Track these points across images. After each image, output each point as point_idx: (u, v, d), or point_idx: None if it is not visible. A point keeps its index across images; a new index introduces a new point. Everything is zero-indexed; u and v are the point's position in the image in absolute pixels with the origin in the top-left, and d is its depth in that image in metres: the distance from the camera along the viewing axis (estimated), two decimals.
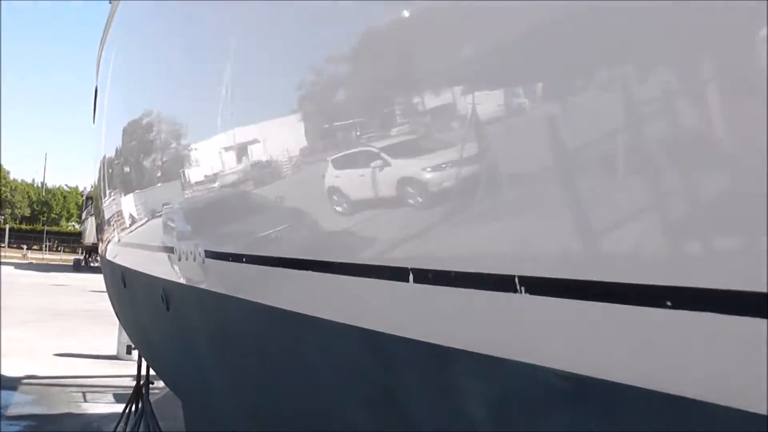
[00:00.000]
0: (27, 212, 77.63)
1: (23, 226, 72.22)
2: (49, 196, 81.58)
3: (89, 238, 42.15)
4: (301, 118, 1.94)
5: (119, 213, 4.92)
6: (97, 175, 6.49)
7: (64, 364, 11.56)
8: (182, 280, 2.98)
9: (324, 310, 1.73)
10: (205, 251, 2.47)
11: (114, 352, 12.21)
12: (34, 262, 47.20)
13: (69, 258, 51.00)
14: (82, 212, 54.38)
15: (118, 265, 4.78)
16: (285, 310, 1.93)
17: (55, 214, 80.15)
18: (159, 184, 3.59)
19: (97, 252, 46.32)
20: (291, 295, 1.92)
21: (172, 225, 3.25)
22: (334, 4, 1.72)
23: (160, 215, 3.57)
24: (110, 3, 5.68)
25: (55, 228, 74.03)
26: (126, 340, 12.34)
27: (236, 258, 2.26)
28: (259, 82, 2.19)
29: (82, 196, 61.70)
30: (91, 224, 42.45)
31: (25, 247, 57.79)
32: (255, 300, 2.19)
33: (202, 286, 2.69)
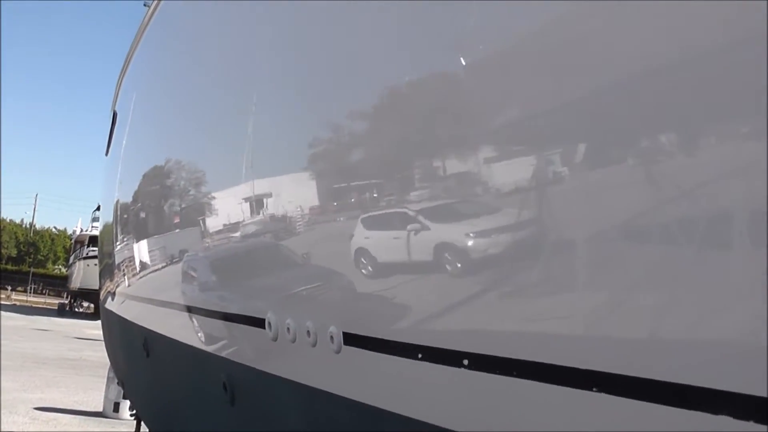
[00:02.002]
0: (13, 252, 76.63)
1: (9, 267, 71.10)
2: (37, 237, 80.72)
3: (76, 282, 41.37)
4: (319, 174, 1.92)
5: (142, 263, 4.28)
6: (108, 218, 6.14)
7: (45, 419, 10.69)
8: (244, 361, 2.33)
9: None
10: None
11: (100, 408, 11.36)
12: (17, 303, 46.07)
13: (53, 302, 49.96)
14: (69, 256, 53.57)
15: (139, 326, 4.07)
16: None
17: (42, 256, 79.16)
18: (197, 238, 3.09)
19: (82, 297, 45.77)
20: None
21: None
22: (365, 54, 1.67)
23: (208, 280, 2.97)
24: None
25: (41, 270, 72.99)
26: (114, 396, 11.63)
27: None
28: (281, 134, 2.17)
29: (70, 240, 61.03)
30: (78, 269, 41.72)
31: (9, 287, 56.65)
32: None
33: (265, 369, 2.09)
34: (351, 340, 1.68)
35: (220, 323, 2.51)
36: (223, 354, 2.50)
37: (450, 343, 1.30)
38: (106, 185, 6.77)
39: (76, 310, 43.87)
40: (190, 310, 2.94)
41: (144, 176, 4.42)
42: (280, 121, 2.15)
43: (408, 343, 1.44)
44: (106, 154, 7.07)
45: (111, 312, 5.62)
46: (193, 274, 2.98)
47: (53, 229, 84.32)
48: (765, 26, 0.74)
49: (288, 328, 1.94)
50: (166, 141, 3.88)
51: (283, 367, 2.04)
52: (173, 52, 3.91)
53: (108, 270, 6.22)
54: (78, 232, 48.57)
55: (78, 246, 44.89)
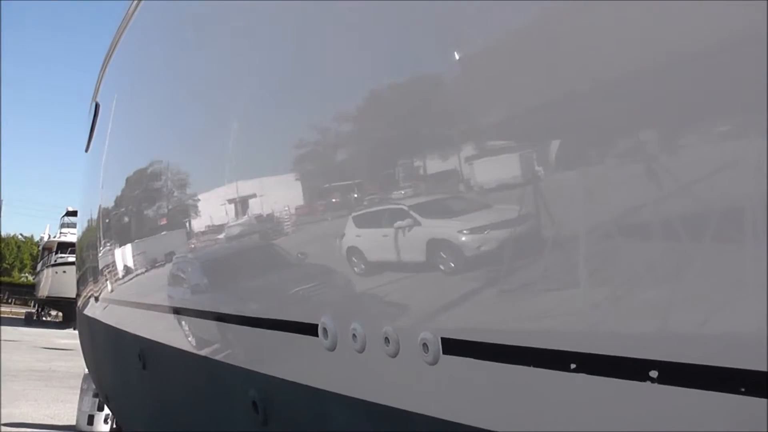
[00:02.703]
0: None
1: None
2: (2, 245, 78.80)
3: (44, 290, 40.38)
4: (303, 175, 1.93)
5: (138, 266, 3.91)
6: (88, 222, 5.84)
7: None
8: (284, 375, 1.95)
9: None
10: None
11: (73, 422, 10.82)
12: None
13: (20, 311, 48.61)
14: (37, 263, 52.27)
15: (133, 335, 3.63)
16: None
17: (8, 264, 77.27)
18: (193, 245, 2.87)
19: (51, 306, 44.60)
20: None
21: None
22: (356, 50, 1.65)
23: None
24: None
25: (6, 279, 71.20)
26: (88, 408, 11.14)
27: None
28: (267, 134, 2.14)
29: (37, 247, 59.63)
30: (46, 276, 40.71)
31: None
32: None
33: (315, 384, 1.74)
34: (453, 347, 1.31)
35: (249, 331, 2.11)
36: (254, 367, 2.10)
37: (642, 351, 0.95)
38: (87, 186, 6.35)
39: (45, 319, 42.77)
40: (204, 316, 2.54)
41: (137, 173, 4.06)
42: (287, 114, 2.01)
43: (557, 351, 1.08)
44: (86, 149, 6.63)
45: (94, 320, 5.18)
46: (210, 275, 2.59)
47: (19, 237, 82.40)
48: (765, 26, 0.74)
49: (354, 336, 1.56)
50: (158, 138, 3.60)
51: (342, 383, 1.66)
52: (160, 45, 3.62)
53: (89, 275, 5.80)
54: (46, 239, 47.48)
55: (46, 253, 43.82)
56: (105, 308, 4.61)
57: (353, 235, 1.61)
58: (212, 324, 2.45)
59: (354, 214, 1.63)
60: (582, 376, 1.04)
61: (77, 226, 8.02)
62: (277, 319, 1.94)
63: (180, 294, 2.88)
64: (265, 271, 2.13)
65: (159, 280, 3.23)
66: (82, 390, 12.42)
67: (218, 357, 2.45)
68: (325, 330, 1.67)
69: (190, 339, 2.80)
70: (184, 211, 2.95)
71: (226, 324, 2.32)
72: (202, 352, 2.63)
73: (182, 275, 2.95)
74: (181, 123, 3.11)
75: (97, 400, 13.33)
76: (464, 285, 1.33)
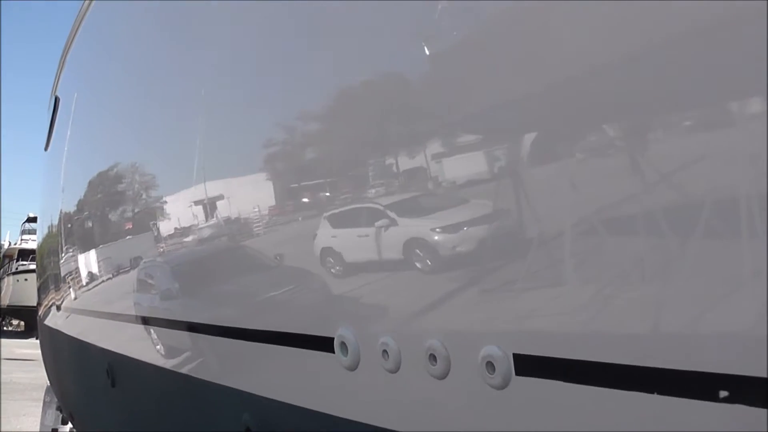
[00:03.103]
0: None
1: None
2: None
3: (4, 299, 39.21)
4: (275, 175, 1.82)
5: (106, 273, 3.56)
6: (49, 226, 5.55)
7: None
8: (286, 398, 1.62)
9: None
10: None
11: None
12: None
13: None
14: None
15: (100, 349, 3.25)
16: None
17: None
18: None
19: (12, 315, 43.28)
20: None
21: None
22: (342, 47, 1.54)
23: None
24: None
25: None
26: (51, 422, 10.70)
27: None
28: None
29: None
30: (7, 285, 39.56)
31: None
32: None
33: (330, 410, 1.42)
34: (530, 366, 1.00)
35: (242, 345, 1.78)
36: (248, 388, 1.76)
37: None
38: (47, 188, 5.95)
39: (6, 328, 41.54)
40: (186, 327, 2.20)
41: (101, 173, 3.75)
42: (268, 112, 1.88)
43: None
44: (46, 148, 6.21)
45: (56, 331, 4.78)
46: (191, 282, 2.26)
47: None
48: (765, 26, 0.73)
49: (385, 352, 1.24)
50: (124, 136, 3.31)
51: (367, 408, 1.34)
52: (125, 35, 3.31)
53: (51, 283, 5.39)
54: (6, 246, 46.15)
55: (7, 261, 42.54)
56: (68, 318, 4.21)
57: (401, 233, 1.30)
58: (196, 337, 2.11)
59: (383, 210, 1.32)
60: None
61: (37, 231, 7.63)
62: (280, 331, 1.61)
63: (155, 303, 2.53)
64: (264, 275, 1.81)
65: (129, 288, 2.87)
66: (44, 403, 12.02)
67: (204, 375, 2.10)
68: (343, 345, 1.34)
69: (167, 353, 2.45)
70: (159, 211, 2.64)
71: (213, 337, 1.99)
72: (184, 369, 2.29)
73: (156, 282, 2.60)
74: (150, 118, 2.86)
75: (61, 413, 12.81)
76: (543, 286, 1.02)
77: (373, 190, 1.34)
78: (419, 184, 1.27)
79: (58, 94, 5.67)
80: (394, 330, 1.24)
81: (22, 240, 41.29)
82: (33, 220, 44.45)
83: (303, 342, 1.49)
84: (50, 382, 6.52)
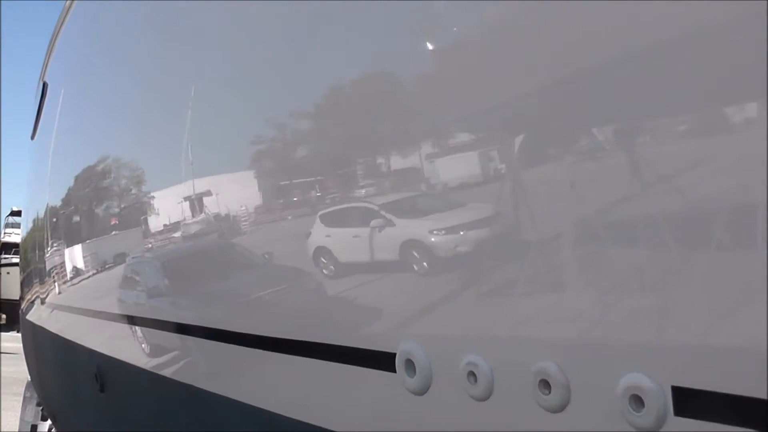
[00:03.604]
0: None
1: None
2: None
3: None
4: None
5: (98, 267, 3.31)
6: (35, 218, 5.33)
7: None
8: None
9: None
10: None
11: None
12: None
13: None
14: None
15: (87, 349, 2.96)
16: None
17: None
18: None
19: None
20: None
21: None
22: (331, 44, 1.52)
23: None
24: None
25: None
26: (31, 417, 10.39)
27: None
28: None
29: None
30: None
31: None
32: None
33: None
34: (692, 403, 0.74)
35: (263, 356, 1.50)
36: (269, 406, 1.48)
37: None
38: (34, 178, 5.67)
39: None
40: (190, 331, 1.92)
41: (93, 162, 3.48)
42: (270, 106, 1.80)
43: None
44: (32, 137, 5.91)
45: (39, 328, 4.48)
46: (195, 280, 1.98)
47: None
48: (765, 26, 0.71)
49: (472, 375, 0.96)
50: (116, 124, 3.12)
51: None
52: (117, 20, 3.12)
53: (35, 276, 5.10)
54: None
55: None
56: (53, 315, 3.91)
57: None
58: (203, 343, 1.83)
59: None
60: None
61: (21, 222, 7.33)
62: (313, 342, 1.33)
63: (154, 303, 2.25)
64: (298, 274, 1.52)
65: (124, 286, 2.59)
66: (24, 398, 11.80)
67: (211, 387, 1.82)
68: (409, 363, 1.07)
69: (167, 360, 2.17)
70: (156, 205, 2.39)
71: (225, 345, 1.71)
72: (187, 379, 2.00)
73: (156, 280, 2.32)
74: (142, 110, 2.70)
75: (40, 409, 12.45)
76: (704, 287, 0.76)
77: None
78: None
79: (46, 79, 5.37)
80: (485, 347, 0.97)
81: (5, 233, 40.64)
82: (16, 213, 43.78)
83: (348, 356, 1.22)
84: (31, 378, 6.25)
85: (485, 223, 1.03)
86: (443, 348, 1.03)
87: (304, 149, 1.64)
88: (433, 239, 1.12)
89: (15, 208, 42.90)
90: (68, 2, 4.23)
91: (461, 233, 1.07)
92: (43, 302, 4.61)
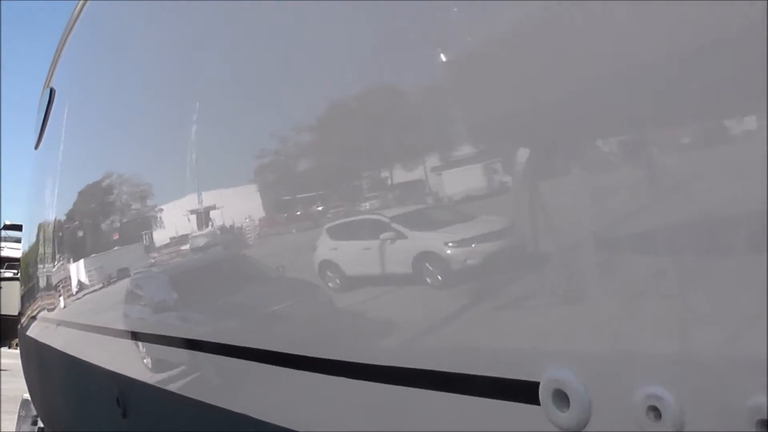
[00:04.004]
0: None
1: None
2: None
3: None
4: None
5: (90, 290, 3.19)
6: (40, 228, 5.16)
7: None
8: None
9: None
10: None
11: None
12: None
13: None
14: None
15: (106, 371, 2.76)
16: None
17: None
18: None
19: None
20: None
21: None
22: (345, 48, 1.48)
23: None
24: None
25: None
26: None
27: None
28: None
29: None
30: None
31: None
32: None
33: None
34: None
35: (344, 384, 1.31)
36: None
37: None
38: (38, 189, 5.50)
39: None
40: (232, 352, 1.73)
41: (108, 172, 3.36)
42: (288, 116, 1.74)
43: None
44: (36, 146, 5.73)
45: (45, 345, 4.28)
46: (225, 295, 1.80)
47: None
48: (765, 26, 0.71)
49: (654, 410, 0.78)
50: (128, 135, 3.03)
51: None
52: (129, 28, 3.04)
53: (38, 291, 4.90)
54: None
55: None
56: (63, 333, 3.70)
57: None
58: (249, 366, 1.65)
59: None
60: None
61: (22, 235, 7.13)
62: (412, 368, 1.14)
63: (188, 322, 2.06)
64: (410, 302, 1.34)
65: (153, 302, 2.40)
66: (19, 417, 11.66)
67: (260, 414, 1.63)
68: (560, 394, 0.88)
69: (206, 383, 1.97)
70: (181, 214, 2.25)
71: (276, 368, 1.53)
72: (225, 403, 1.82)
73: (191, 297, 2.14)
74: (150, 122, 2.66)
75: (36, 428, 12.14)
76: None
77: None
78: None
79: (53, 85, 5.19)
80: (666, 376, 0.78)
81: None
82: (10, 227, 43.45)
83: (473, 385, 1.03)
84: (32, 398, 6.04)
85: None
86: (607, 377, 0.85)
87: (316, 160, 1.61)
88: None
89: (8, 222, 42.65)
90: (78, 5, 4.09)
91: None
92: (49, 319, 4.42)
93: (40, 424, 12.14)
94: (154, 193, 2.57)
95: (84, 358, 3.10)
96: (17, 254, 40.76)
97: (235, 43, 1.93)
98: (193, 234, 2.10)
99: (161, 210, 2.44)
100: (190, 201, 2.05)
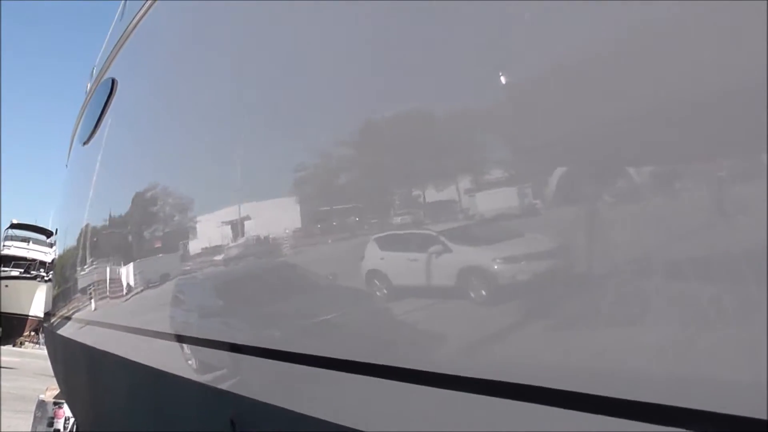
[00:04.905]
0: None
1: None
2: None
3: None
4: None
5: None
6: (68, 241, 5.28)
7: None
8: None
9: None
10: None
11: None
12: None
13: None
14: None
15: (222, 392, 2.51)
16: None
17: None
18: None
19: None
20: None
21: None
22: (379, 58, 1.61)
23: None
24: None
25: None
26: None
27: None
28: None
29: None
30: None
31: None
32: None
33: None
34: None
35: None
36: None
37: None
38: (82, 185, 5.34)
39: None
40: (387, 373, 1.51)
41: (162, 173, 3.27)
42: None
43: None
44: (86, 142, 5.52)
45: (108, 354, 4.02)
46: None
47: None
48: (765, 27, 0.74)
49: None
50: (181, 140, 3.10)
51: None
52: (193, 37, 3.06)
53: (88, 293, 4.65)
54: None
55: None
56: (149, 346, 3.41)
57: None
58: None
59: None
60: None
61: (58, 231, 6.94)
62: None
63: (334, 340, 1.81)
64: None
65: (288, 312, 2.14)
66: (35, 417, 11.56)
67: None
68: None
69: (336, 404, 1.72)
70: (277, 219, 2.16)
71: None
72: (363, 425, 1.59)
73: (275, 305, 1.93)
74: (201, 128, 2.72)
75: (52, 430, 11.92)
76: None
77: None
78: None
79: (114, 76, 4.95)
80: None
81: (4, 246, 40.28)
82: (16, 226, 43.34)
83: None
84: (71, 405, 5.75)
85: None
86: None
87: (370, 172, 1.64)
88: None
89: (15, 221, 42.54)
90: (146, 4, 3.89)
91: None
92: (105, 324, 4.17)
93: (56, 425, 11.89)
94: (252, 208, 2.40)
95: (184, 375, 2.83)
96: (23, 253, 40.78)
97: (286, 60, 2.01)
98: (267, 248, 2.14)
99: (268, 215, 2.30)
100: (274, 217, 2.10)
